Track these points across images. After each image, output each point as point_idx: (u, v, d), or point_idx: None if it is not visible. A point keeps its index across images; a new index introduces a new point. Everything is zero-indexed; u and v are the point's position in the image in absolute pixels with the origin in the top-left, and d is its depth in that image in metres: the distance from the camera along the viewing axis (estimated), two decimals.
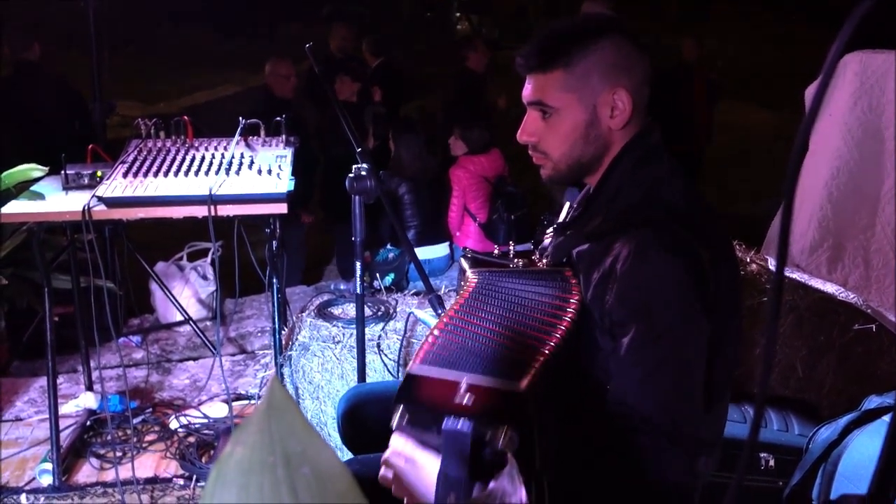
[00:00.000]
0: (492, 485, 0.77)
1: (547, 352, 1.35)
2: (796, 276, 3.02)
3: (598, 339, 1.46)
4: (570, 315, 1.44)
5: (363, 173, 2.60)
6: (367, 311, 3.27)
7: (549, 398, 1.35)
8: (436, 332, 1.47)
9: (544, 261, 1.64)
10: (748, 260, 3.02)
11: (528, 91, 1.58)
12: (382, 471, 1.43)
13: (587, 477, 1.38)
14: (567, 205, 1.76)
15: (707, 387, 1.41)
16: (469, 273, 1.65)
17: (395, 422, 1.36)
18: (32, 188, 2.96)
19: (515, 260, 1.68)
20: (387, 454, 1.43)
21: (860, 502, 0.76)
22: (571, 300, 1.47)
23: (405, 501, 1.42)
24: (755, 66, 12.82)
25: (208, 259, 4.75)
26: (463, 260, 1.76)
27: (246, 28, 14.56)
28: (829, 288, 2.95)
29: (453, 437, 1.27)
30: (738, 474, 0.81)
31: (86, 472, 3.16)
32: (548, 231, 1.74)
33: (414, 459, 1.38)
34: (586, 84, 1.52)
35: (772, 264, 2.99)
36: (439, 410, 1.30)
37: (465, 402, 1.30)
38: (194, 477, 3.10)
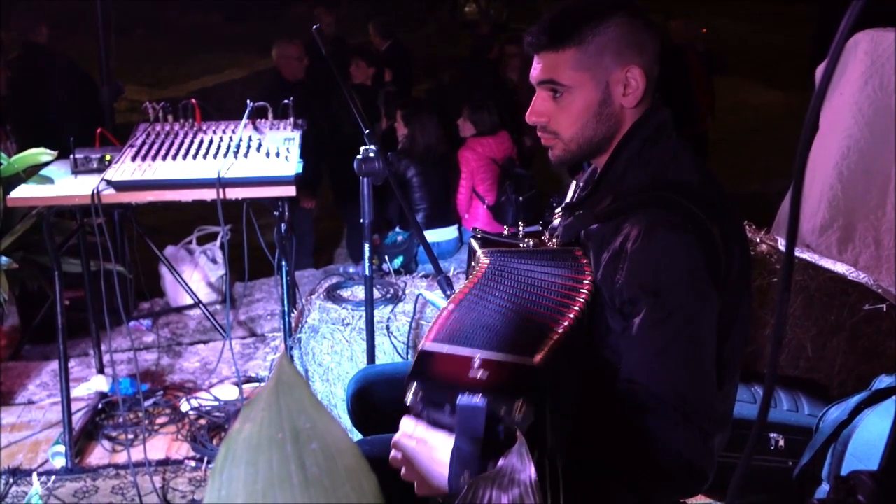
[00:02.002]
0: (501, 462, 0.77)
1: (561, 330, 1.35)
2: (806, 256, 3.02)
3: (607, 319, 1.45)
4: (583, 296, 1.44)
5: (371, 155, 2.59)
6: (376, 294, 3.27)
7: (561, 377, 1.35)
8: (450, 307, 1.47)
9: (554, 241, 1.64)
10: (758, 240, 3.01)
11: (537, 70, 1.56)
12: (393, 453, 1.43)
13: (600, 456, 1.38)
14: (574, 184, 1.76)
15: (718, 364, 1.41)
16: (480, 254, 1.65)
17: (408, 399, 1.36)
18: (41, 172, 2.97)
19: (525, 240, 1.68)
20: (397, 436, 1.44)
21: (870, 478, 0.76)
22: (584, 281, 1.47)
23: (415, 486, 1.42)
24: (766, 46, 12.73)
25: (217, 242, 4.76)
26: (473, 240, 1.75)
27: (253, 11, 14.52)
28: (840, 268, 2.94)
29: (468, 412, 1.27)
30: (746, 453, 0.81)
31: (98, 455, 3.18)
32: (557, 211, 1.74)
33: (425, 440, 1.38)
34: (600, 62, 1.50)
35: (782, 245, 2.98)
36: (453, 386, 1.30)
37: (479, 376, 1.30)
38: (205, 459, 3.12)
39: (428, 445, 1.38)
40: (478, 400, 1.27)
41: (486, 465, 1.29)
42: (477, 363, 1.31)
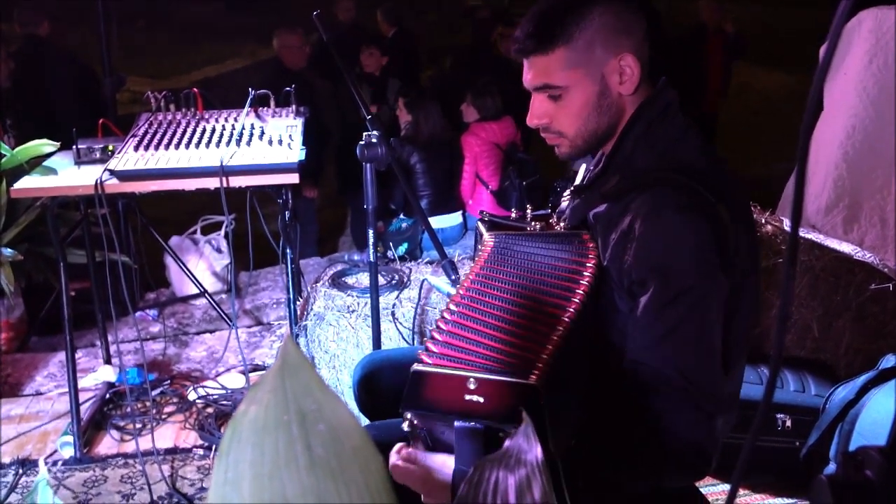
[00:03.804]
0: (507, 443, 0.77)
1: (557, 337, 1.32)
2: (812, 236, 3.01)
3: (615, 300, 1.45)
4: (586, 280, 1.43)
5: (374, 141, 2.59)
6: (382, 280, 3.27)
7: (565, 366, 1.34)
8: (452, 307, 1.43)
9: (562, 224, 1.63)
10: (763, 221, 3.00)
11: (531, 76, 1.55)
12: (395, 475, 1.41)
13: (606, 440, 1.38)
14: (583, 167, 1.75)
15: (725, 346, 1.40)
16: (486, 236, 1.64)
17: (405, 426, 1.32)
18: (45, 163, 2.97)
19: (533, 223, 1.67)
20: (394, 461, 1.40)
21: (878, 453, 0.76)
22: (588, 264, 1.46)
23: (422, 498, 1.40)
24: (771, 27, 12.65)
25: (222, 232, 4.76)
26: (480, 224, 1.74)
27: (254, 1, 14.46)
28: (845, 248, 2.94)
29: (466, 435, 1.25)
30: (751, 433, 0.81)
31: (106, 444, 3.19)
32: (565, 194, 1.73)
33: (424, 465, 1.36)
34: (591, 56, 1.49)
35: (787, 225, 2.97)
36: (449, 413, 1.27)
37: (475, 399, 1.26)
38: (213, 447, 3.13)
39: (426, 470, 1.35)
40: (475, 423, 1.25)
41: None
42: (472, 385, 1.26)
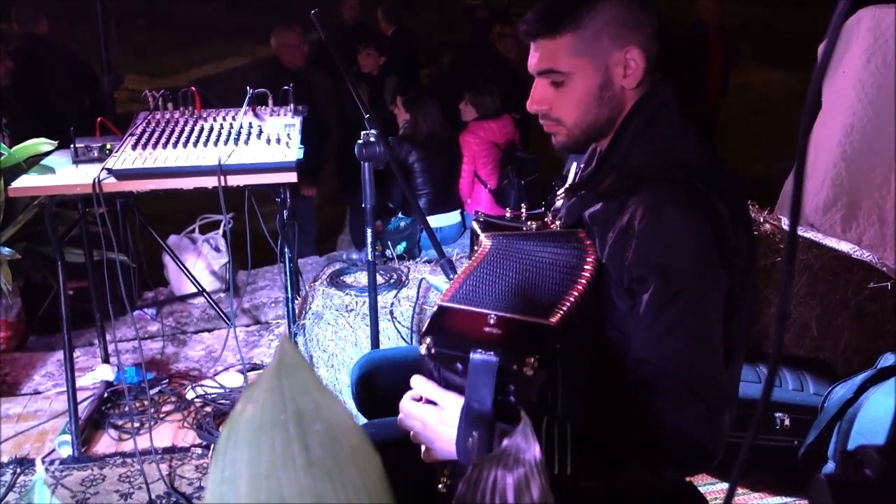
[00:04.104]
0: (506, 442, 0.77)
1: (573, 298, 1.35)
2: (810, 235, 3.01)
3: (612, 298, 1.45)
4: (587, 273, 1.43)
5: (372, 139, 2.58)
6: (380, 279, 3.27)
7: (573, 349, 1.35)
8: (462, 276, 1.47)
9: (557, 223, 1.63)
10: (762, 220, 3.00)
11: (535, 59, 1.54)
12: (401, 416, 1.43)
13: (610, 436, 1.37)
14: (574, 165, 1.75)
15: (724, 345, 1.40)
16: (482, 237, 1.64)
17: (421, 350, 1.37)
18: (43, 162, 2.96)
19: (528, 223, 1.67)
20: (405, 400, 1.43)
21: (877, 452, 0.76)
22: (588, 259, 1.46)
23: (422, 451, 1.42)
24: (771, 27, 12.65)
25: (220, 231, 4.75)
26: (475, 224, 1.74)
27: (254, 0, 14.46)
28: (844, 247, 2.94)
29: (480, 366, 1.27)
30: (751, 432, 0.81)
31: (105, 443, 3.19)
32: (559, 193, 1.73)
33: (435, 400, 1.38)
34: (598, 45, 1.49)
35: (785, 224, 2.97)
36: (467, 340, 1.31)
37: (493, 332, 1.31)
38: (211, 446, 3.13)
39: (438, 406, 1.38)
40: (491, 355, 1.27)
41: (494, 426, 1.28)
42: (492, 320, 1.32)
